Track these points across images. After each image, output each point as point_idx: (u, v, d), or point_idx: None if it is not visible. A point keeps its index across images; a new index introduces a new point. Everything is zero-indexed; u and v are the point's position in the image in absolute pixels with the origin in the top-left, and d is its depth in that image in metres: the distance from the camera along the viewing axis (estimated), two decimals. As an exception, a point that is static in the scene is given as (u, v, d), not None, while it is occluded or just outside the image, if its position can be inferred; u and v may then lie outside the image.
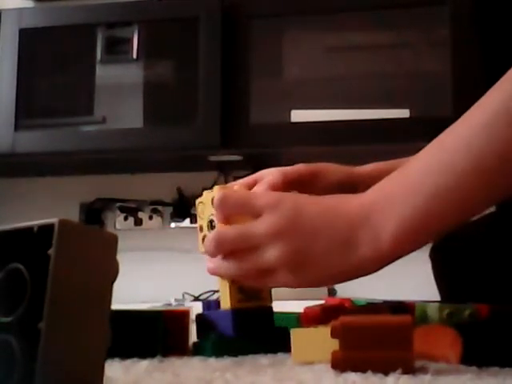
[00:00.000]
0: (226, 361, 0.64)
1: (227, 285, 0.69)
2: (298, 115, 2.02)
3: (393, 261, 0.62)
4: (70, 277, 0.43)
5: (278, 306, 0.73)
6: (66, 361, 0.42)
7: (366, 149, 1.97)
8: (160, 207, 2.39)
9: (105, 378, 0.45)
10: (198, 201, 0.73)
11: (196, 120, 2.04)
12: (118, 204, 2.40)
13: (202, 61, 2.05)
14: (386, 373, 0.51)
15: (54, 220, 0.43)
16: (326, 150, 1.99)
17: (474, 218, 0.68)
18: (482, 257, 0.85)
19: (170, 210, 2.38)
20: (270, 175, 0.75)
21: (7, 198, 2.42)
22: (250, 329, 0.70)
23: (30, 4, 2.43)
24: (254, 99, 2.05)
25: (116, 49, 2.16)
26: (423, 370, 0.53)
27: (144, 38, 2.16)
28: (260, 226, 0.64)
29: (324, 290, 1.81)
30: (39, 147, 2.12)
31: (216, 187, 0.71)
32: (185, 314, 0.72)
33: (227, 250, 0.66)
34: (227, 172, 2.31)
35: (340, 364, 0.53)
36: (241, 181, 0.77)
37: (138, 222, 2.39)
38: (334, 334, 0.54)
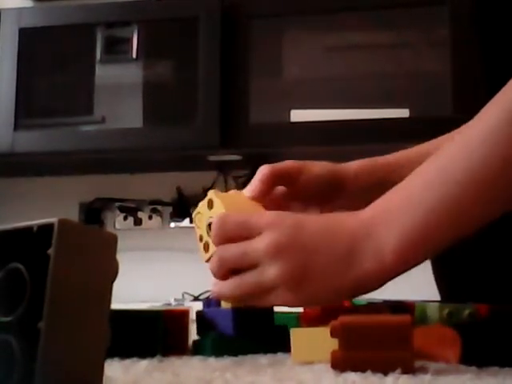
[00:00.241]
0: (226, 360, 0.64)
1: None
2: (298, 115, 2.02)
3: (395, 275, 0.61)
4: (69, 276, 0.43)
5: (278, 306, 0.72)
6: (65, 360, 0.42)
7: (365, 149, 1.96)
8: (159, 207, 2.39)
9: (104, 378, 0.45)
10: (194, 213, 0.72)
11: (195, 120, 2.04)
12: (118, 204, 2.40)
13: (202, 61, 2.05)
14: (385, 373, 0.51)
15: (53, 220, 0.43)
16: (326, 150, 1.99)
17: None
18: (482, 257, 0.85)
19: (169, 209, 2.38)
20: (259, 173, 0.75)
21: (7, 197, 2.42)
22: (250, 328, 0.70)
23: (30, 4, 2.42)
24: (253, 99, 2.04)
25: (115, 49, 2.16)
26: (423, 370, 0.53)
27: (143, 38, 2.16)
28: (260, 244, 0.62)
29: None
30: (39, 147, 2.12)
31: (211, 191, 0.70)
32: (184, 314, 0.72)
33: (229, 266, 0.65)
34: (227, 172, 2.31)
35: (340, 364, 0.53)
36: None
37: (138, 222, 2.39)
38: (333, 334, 0.54)
